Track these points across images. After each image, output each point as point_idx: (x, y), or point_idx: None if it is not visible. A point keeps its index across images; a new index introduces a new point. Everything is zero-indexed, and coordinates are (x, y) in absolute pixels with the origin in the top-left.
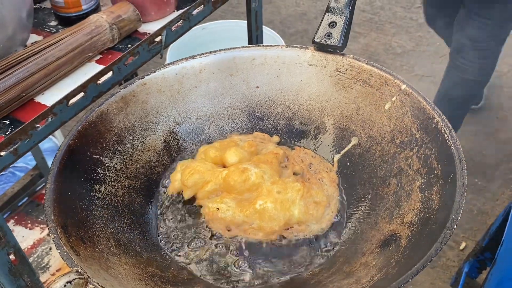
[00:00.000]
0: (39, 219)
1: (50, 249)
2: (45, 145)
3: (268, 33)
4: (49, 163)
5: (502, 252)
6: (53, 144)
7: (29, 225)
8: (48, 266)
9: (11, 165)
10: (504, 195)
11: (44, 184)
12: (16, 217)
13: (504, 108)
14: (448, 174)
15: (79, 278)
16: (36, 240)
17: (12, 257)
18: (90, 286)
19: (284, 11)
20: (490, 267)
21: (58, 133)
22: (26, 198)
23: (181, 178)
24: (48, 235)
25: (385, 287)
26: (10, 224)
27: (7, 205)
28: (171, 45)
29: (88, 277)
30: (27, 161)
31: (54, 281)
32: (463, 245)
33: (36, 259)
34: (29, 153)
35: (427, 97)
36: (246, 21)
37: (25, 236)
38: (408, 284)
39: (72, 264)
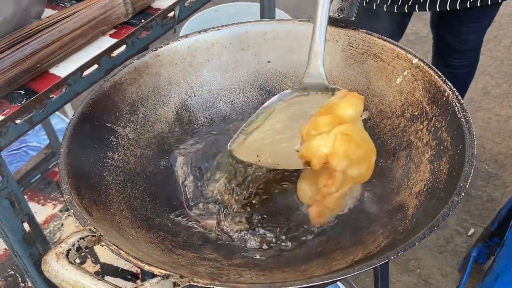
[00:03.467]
0: (52, 196)
1: (62, 225)
2: (58, 125)
3: (281, 16)
4: None
5: (511, 234)
6: (66, 125)
7: (42, 201)
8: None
9: (25, 144)
10: None
11: (56, 162)
12: (29, 193)
13: None
14: (458, 145)
15: (92, 236)
16: (49, 216)
17: (25, 225)
18: (102, 243)
19: None
20: (499, 249)
21: (71, 114)
22: (39, 175)
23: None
24: (60, 211)
25: (391, 250)
26: None
27: (20, 182)
28: (184, 26)
29: (101, 235)
30: (40, 141)
31: (68, 236)
32: (471, 231)
33: (48, 234)
34: (43, 132)
35: (438, 71)
36: (259, 3)
37: (38, 212)
38: (416, 268)
39: (85, 223)
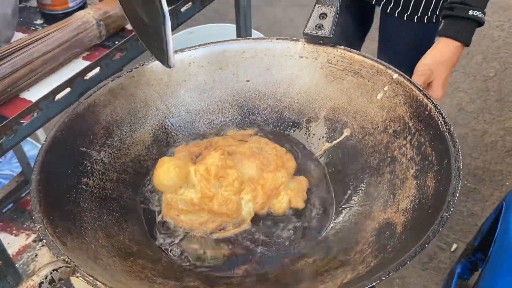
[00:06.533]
0: (25, 226)
1: (36, 255)
2: (30, 152)
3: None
4: None
5: (495, 249)
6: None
7: (15, 231)
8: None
9: None
10: (493, 196)
11: (29, 190)
12: (1, 223)
13: (491, 111)
14: (443, 159)
15: (66, 267)
16: (22, 246)
17: None
18: (78, 274)
19: (271, 17)
20: (483, 265)
21: (44, 139)
22: (12, 204)
23: None
24: (34, 241)
25: (382, 271)
26: None
27: None
28: None
29: (76, 266)
30: (13, 168)
31: (40, 268)
32: (454, 246)
33: (21, 265)
34: (15, 160)
35: (419, 86)
36: (234, 25)
37: (10, 242)
38: (401, 286)
39: (59, 253)
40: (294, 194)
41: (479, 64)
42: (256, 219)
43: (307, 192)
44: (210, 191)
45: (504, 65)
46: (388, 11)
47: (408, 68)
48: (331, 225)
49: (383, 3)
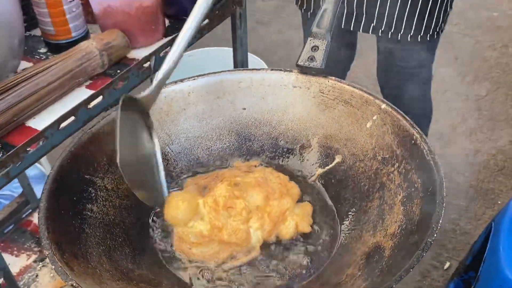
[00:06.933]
0: (25, 246)
1: (37, 276)
2: (31, 172)
3: (253, 60)
4: (36, 190)
5: (484, 268)
6: (39, 171)
7: (15, 252)
8: None
9: None
10: (485, 215)
11: (30, 210)
12: (1, 244)
13: (484, 130)
14: (428, 187)
15: None
16: (23, 267)
17: (1, 280)
18: None
19: (267, 39)
20: (474, 284)
21: (44, 161)
22: (12, 225)
23: None
24: (34, 261)
25: None
26: None
27: None
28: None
29: None
30: (13, 189)
31: None
32: (447, 264)
33: (22, 286)
34: (15, 180)
35: (406, 115)
36: (231, 48)
37: (11, 263)
38: None
39: (67, 278)
40: (300, 219)
41: (471, 84)
42: (265, 246)
43: (312, 216)
44: (219, 221)
45: (496, 85)
46: (399, 39)
47: (418, 73)
48: None
49: (391, 33)
